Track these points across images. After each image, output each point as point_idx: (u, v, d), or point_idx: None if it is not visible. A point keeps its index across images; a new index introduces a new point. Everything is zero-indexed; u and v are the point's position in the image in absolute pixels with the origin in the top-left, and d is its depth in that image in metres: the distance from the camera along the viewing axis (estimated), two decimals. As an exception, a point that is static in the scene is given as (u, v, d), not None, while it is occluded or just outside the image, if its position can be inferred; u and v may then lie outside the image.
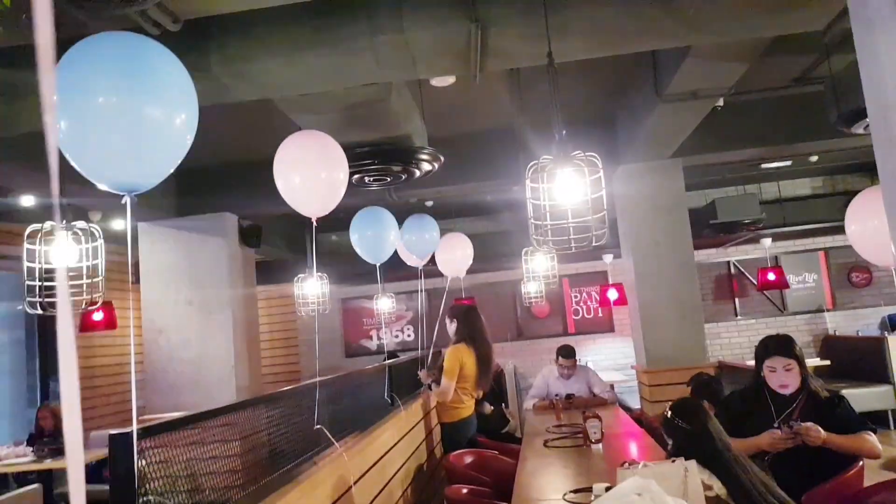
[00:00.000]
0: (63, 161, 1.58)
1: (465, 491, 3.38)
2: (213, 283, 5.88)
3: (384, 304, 7.03)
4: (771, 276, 8.52)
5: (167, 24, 2.25)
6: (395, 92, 3.18)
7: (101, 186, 1.67)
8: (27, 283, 2.77)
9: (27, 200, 5.29)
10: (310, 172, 2.73)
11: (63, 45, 1.39)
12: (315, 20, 2.75)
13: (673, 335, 5.50)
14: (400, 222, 4.48)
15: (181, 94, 1.74)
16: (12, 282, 6.80)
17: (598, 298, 10.14)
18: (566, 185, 1.77)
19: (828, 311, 9.81)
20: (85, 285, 2.69)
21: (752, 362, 3.27)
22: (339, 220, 4.09)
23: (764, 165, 7.39)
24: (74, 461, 0.60)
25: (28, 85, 2.57)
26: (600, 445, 3.70)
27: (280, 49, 2.71)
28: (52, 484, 5.08)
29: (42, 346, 7.22)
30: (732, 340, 9.86)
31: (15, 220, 5.77)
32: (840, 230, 8.25)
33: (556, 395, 5.49)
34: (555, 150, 1.81)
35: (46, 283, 2.76)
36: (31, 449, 5.16)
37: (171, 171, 1.79)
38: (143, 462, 1.53)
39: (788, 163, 7.33)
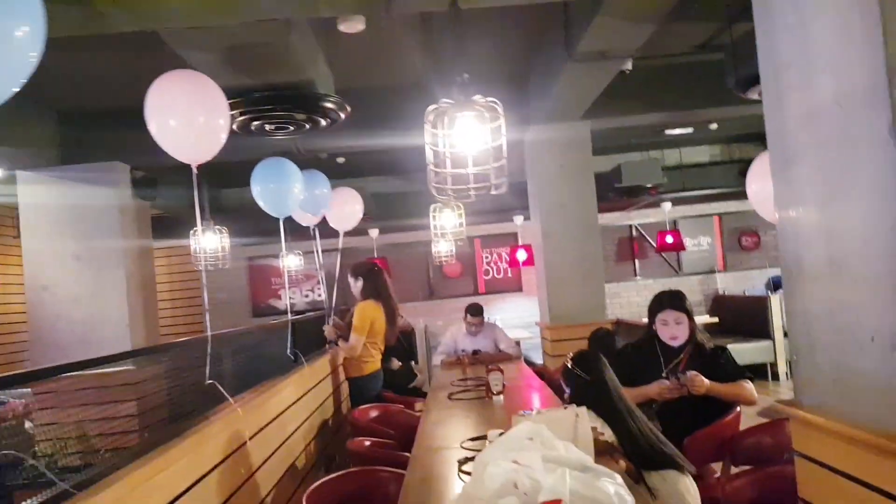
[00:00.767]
0: None
1: (367, 443, 3.38)
2: (104, 238, 5.51)
3: (291, 261, 6.84)
4: (669, 239, 8.95)
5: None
6: (297, 33, 3.02)
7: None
8: None
9: None
10: (186, 116, 2.57)
11: None
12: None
13: (575, 294, 5.68)
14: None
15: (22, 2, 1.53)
16: None
17: (507, 259, 10.34)
18: (465, 131, 1.74)
19: (719, 272, 10.44)
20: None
21: (647, 320, 3.42)
22: (246, 173, 3.92)
23: (667, 132, 7.68)
24: None
25: None
26: (501, 397, 3.78)
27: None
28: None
29: None
30: (631, 300, 10.34)
31: None
32: (734, 196, 8.80)
33: (462, 351, 5.58)
34: (455, 93, 1.76)
35: None
36: None
37: (11, 93, 1.59)
38: None
39: (690, 130, 7.65)
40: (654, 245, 9.82)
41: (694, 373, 3.06)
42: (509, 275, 10.57)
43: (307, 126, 3.55)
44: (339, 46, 4.11)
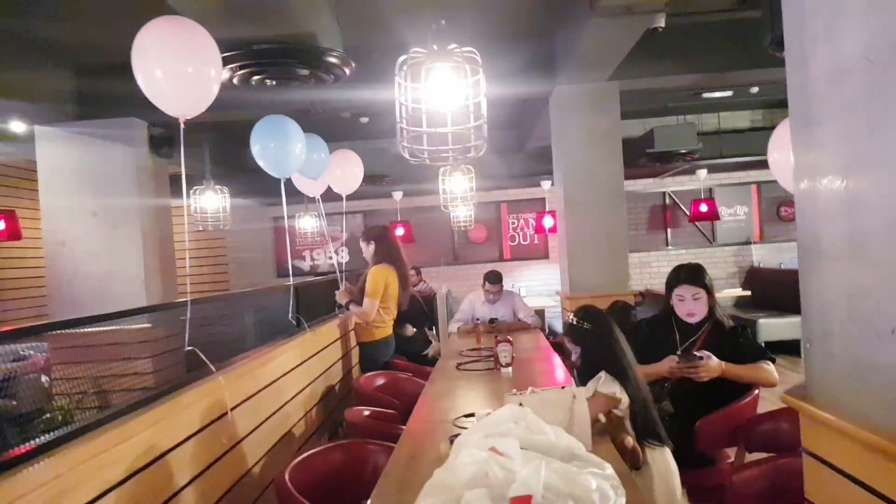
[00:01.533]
0: None
1: (366, 413, 3.30)
2: (120, 194, 5.50)
3: (306, 223, 6.75)
4: (703, 208, 8.61)
5: None
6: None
7: None
8: None
9: None
10: (174, 66, 2.44)
11: None
12: None
13: (597, 264, 5.48)
14: (332, 139, 4.20)
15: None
16: None
17: (534, 225, 10.11)
18: (439, 86, 1.56)
19: (755, 243, 10.04)
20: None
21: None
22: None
23: (705, 95, 7.29)
24: None
25: None
26: (510, 369, 3.66)
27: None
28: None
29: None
30: (662, 270, 10.05)
31: None
32: (773, 164, 8.36)
33: (478, 319, 5.46)
34: (430, 41, 1.57)
35: None
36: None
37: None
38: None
39: (729, 93, 7.24)
40: (688, 214, 9.47)
41: (706, 354, 2.87)
42: (536, 241, 10.35)
43: (311, 81, 3.39)
44: (353, 2, 3.93)
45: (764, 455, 2.57)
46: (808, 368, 1.80)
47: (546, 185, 9.59)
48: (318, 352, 4.06)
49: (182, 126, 2.59)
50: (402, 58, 1.58)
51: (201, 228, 6.13)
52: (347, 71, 3.32)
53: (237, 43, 2.63)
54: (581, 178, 5.51)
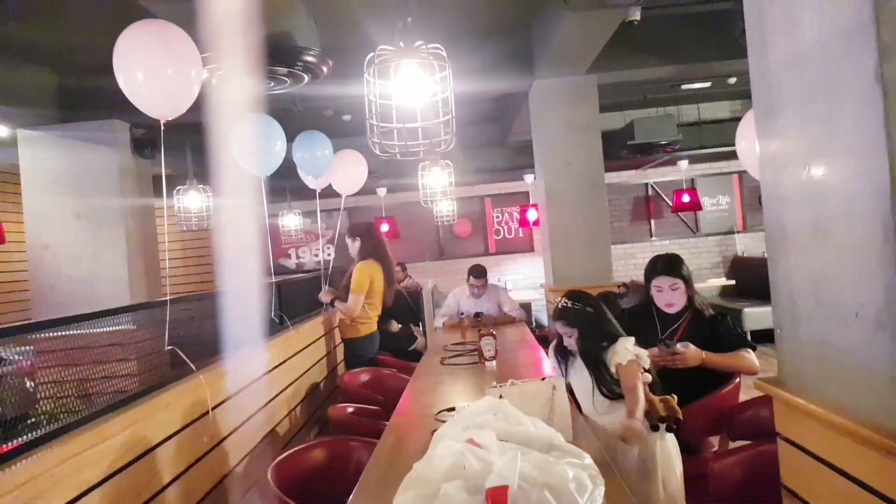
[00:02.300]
0: None
1: (349, 410, 3.32)
2: (104, 196, 5.47)
3: (291, 221, 6.74)
4: (686, 198, 8.67)
5: None
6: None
7: None
8: None
9: None
10: (154, 68, 2.44)
11: None
12: None
13: (580, 256, 5.51)
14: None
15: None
16: None
17: (518, 218, 10.15)
18: (406, 82, 1.57)
19: (738, 232, 10.13)
20: None
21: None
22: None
23: (684, 87, 7.34)
24: None
25: None
26: (494, 363, 3.68)
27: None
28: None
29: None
30: (646, 261, 10.07)
31: None
32: (753, 154, 8.43)
33: (463, 314, 5.47)
34: (397, 38, 1.59)
35: None
36: None
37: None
38: None
39: (708, 84, 7.30)
40: (671, 204, 9.54)
41: (685, 343, 2.90)
42: (520, 235, 10.39)
43: (288, 80, 3.39)
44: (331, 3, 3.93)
45: (747, 443, 2.61)
46: (779, 353, 1.83)
47: (529, 178, 9.62)
48: (302, 349, 4.06)
49: (162, 127, 2.58)
50: (370, 55, 1.60)
51: (185, 228, 6.10)
52: (325, 69, 3.32)
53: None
54: (562, 171, 5.54)
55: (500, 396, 2.18)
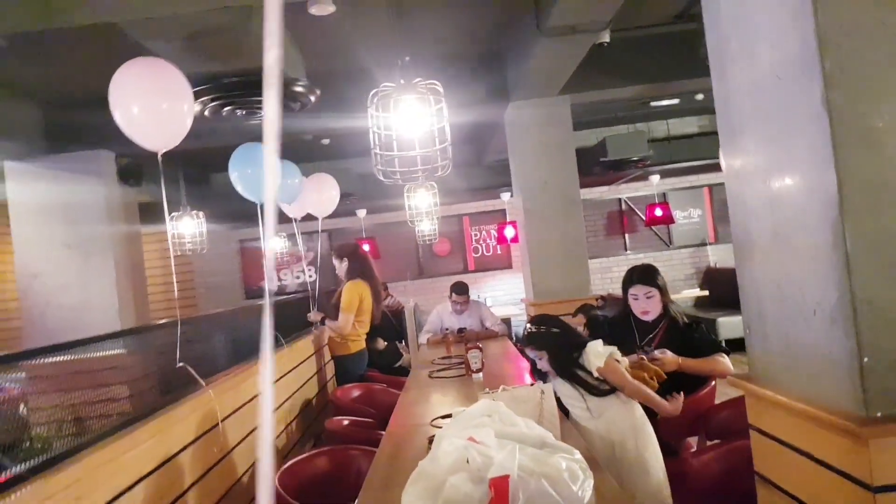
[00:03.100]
0: None
1: (345, 423, 3.43)
2: (92, 225, 5.54)
3: (274, 244, 6.83)
4: (658, 212, 8.95)
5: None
6: (258, 18, 2.98)
7: None
8: None
9: None
10: (149, 103, 2.57)
11: None
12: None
13: (559, 270, 5.70)
14: (294, 161, 4.32)
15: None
16: None
17: (496, 236, 10.34)
18: (406, 115, 1.73)
19: (710, 244, 10.44)
20: None
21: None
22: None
23: (653, 104, 7.63)
24: None
25: None
26: (481, 374, 3.81)
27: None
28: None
29: None
30: (621, 274, 10.30)
31: None
32: (721, 167, 8.73)
33: (447, 329, 5.61)
34: (397, 77, 1.75)
35: None
36: None
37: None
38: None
39: (676, 101, 7.60)
40: (644, 218, 9.81)
41: (662, 350, 3.06)
42: (499, 252, 10.59)
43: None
44: (312, 29, 4.07)
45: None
46: (749, 351, 2.01)
47: (506, 196, 9.84)
48: (296, 366, 4.17)
49: (160, 158, 2.70)
50: (373, 91, 1.75)
51: (179, 253, 6.18)
52: (313, 98, 3.47)
53: (206, 78, 2.76)
54: (538, 189, 5.74)
55: (493, 400, 2.33)
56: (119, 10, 2.71)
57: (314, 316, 4.91)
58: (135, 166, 5.79)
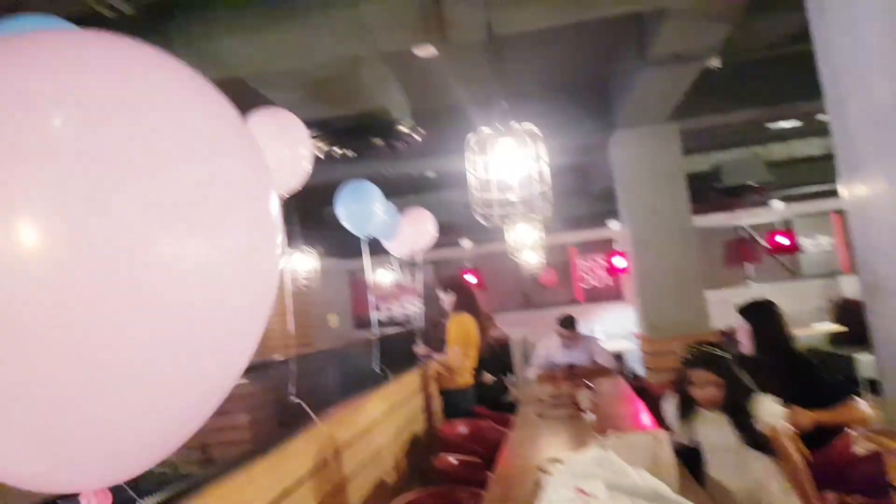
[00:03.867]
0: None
1: (453, 461, 3.43)
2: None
3: (384, 277, 7.05)
4: (782, 240, 8.40)
5: (123, 7, 2.24)
6: (366, 65, 3.16)
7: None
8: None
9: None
10: (273, 150, 2.74)
11: None
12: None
13: (672, 303, 5.46)
14: (400, 193, 4.46)
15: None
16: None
17: (605, 266, 10.09)
18: (504, 158, 1.74)
19: (843, 274, 9.64)
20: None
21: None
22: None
23: (771, 125, 7.22)
24: None
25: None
26: (592, 415, 3.69)
27: (239, 27, 2.68)
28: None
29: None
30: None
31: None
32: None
33: (556, 365, 5.50)
34: (495, 121, 1.77)
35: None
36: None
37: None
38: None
39: (798, 123, 7.15)
40: (767, 246, 9.23)
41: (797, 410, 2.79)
42: (608, 283, 10.31)
43: (384, 150, 3.68)
44: (417, 69, 4.23)
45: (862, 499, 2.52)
46: (886, 403, 1.83)
47: (615, 225, 9.60)
48: (404, 400, 4.24)
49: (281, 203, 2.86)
50: (470, 135, 1.79)
51: (294, 289, 6.52)
52: (418, 138, 3.59)
53: (320, 122, 2.93)
54: (647, 217, 5.56)
55: (606, 448, 2.24)
56: (243, 66, 2.94)
57: (421, 349, 4.97)
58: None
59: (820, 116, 6.67)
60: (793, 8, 4.24)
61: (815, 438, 2.83)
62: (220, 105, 0.95)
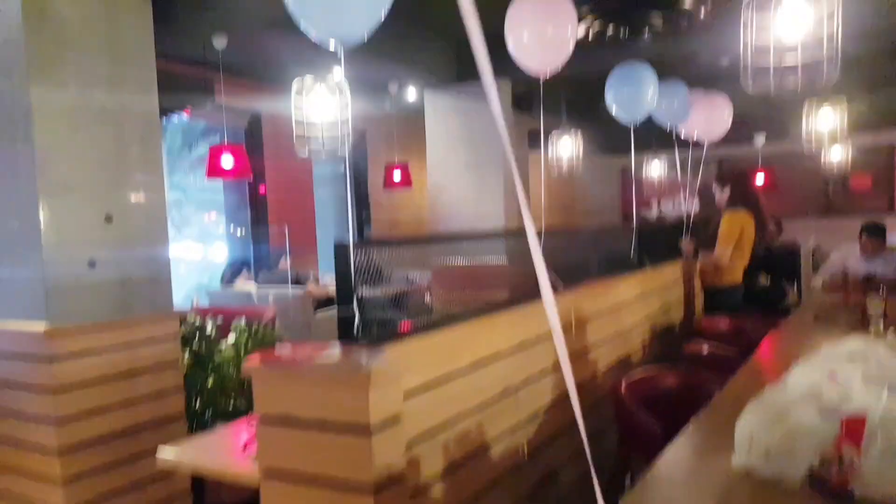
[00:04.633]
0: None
1: (705, 347, 3.35)
2: (487, 148, 6.28)
3: (655, 170, 6.73)
4: None
5: None
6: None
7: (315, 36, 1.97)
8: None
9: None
10: (538, 28, 2.75)
11: None
12: None
13: None
14: (693, 82, 4.16)
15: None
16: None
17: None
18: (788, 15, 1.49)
19: None
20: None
21: None
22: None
23: None
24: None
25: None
26: (881, 326, 3.21)
27: None
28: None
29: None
30: None
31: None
32: None
33: (851, 275, 4.84)
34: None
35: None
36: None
37: (375, 23, 2.00)
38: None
39: None
40: None
41: None
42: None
43: (663, 30, 3.41)
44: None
45: None
46: None
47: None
48: (658, 289, 4.17)
49: (542, 83, 2.91)
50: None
51: (556, 175, 6.66)
52: (703, 13, 3.25)
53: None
54: None
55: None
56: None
57: (687, 245, 4.76)
58: (527, 94, 6.31)
59: None
60: None
61: None
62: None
